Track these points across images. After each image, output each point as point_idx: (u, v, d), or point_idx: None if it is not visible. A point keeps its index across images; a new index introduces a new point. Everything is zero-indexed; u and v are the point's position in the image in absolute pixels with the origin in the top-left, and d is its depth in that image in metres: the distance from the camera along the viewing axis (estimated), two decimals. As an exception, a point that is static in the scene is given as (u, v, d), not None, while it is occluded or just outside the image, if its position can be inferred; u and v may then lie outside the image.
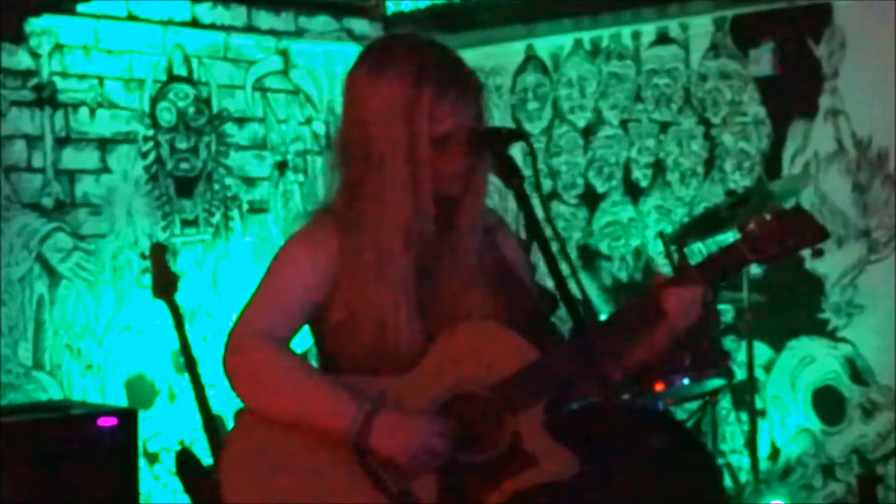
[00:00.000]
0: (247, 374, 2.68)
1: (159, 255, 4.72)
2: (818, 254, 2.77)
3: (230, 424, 2.82)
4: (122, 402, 5.46)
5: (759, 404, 5.55)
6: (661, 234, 2.88)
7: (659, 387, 4.70)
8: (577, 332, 2.57)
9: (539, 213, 2.52)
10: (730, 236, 5.60)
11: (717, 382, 5.00)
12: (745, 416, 5.73)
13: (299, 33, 6.19)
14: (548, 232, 2.51)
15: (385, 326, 2.70)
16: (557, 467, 2.65)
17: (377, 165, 2.69)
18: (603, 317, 2.85)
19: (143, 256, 5.12)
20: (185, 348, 4.62)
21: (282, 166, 6.10)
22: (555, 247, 2.50)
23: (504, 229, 2.96)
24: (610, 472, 2.68)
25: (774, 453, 5.66)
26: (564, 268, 2.49)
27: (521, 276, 2.90)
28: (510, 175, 2.57)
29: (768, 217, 2.77)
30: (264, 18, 6.05)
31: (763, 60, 5.74)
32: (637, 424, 2.88)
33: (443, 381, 2.70)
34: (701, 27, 5.96)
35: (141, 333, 5.53)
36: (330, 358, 2.80)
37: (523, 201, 2.54)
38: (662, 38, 6.10)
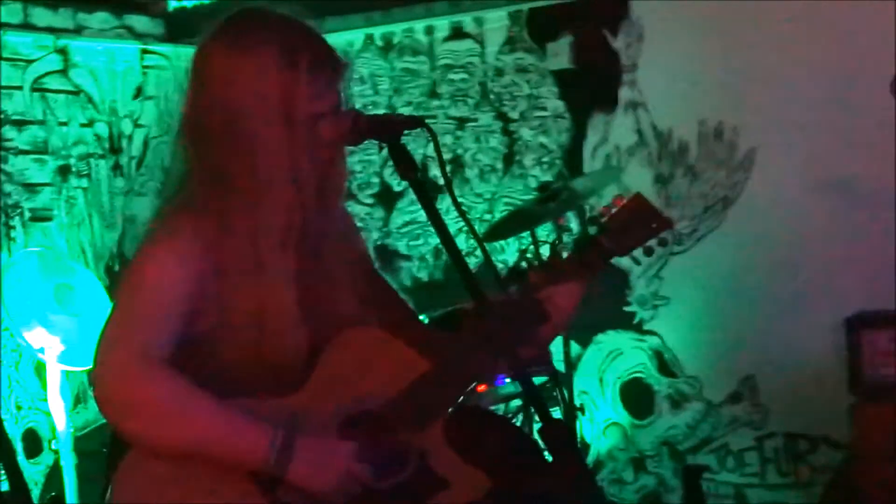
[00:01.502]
0: (131, 403, 2.38)
1: (-58, 268, 4.41)
2: (663, 243, 2.72)
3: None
4: None
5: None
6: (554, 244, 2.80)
7: (481, 388, 4.60)
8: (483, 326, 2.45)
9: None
10: (541, 232, 5.59)
11: (538, 380, 4.92)
12: (555, 414, 5.69)
13: (78, 31, 5.87)
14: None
15: (265, 331, 2.46)
16: (470, 488, 2.50)
17: (248, 148, 2.45)
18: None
19: (-77, 270, 4.76)
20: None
21: (64, 171, 5.77)
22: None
23: (352, 221, 2.81)
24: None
25: (584, 449, 5.62)
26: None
27: (378, 272, 2.76)
28: (406, 165, 2.41)
29: (614, 209, 2.72)
30: (41, 15, 5.70)
31: (561, 54, 5.70)
32: (479, 428, 2.75)
33: (336, 399, 2.50)
34: (496, 21, 5.89)
35: (-80, 354, 5.16)
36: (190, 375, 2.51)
37: (421, 192, 2.40)
38: (457, 33, 6.01)
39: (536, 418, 2.38)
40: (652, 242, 2.71)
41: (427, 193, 2.43)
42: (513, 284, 2.68)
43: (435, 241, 6.01)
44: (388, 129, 2.48)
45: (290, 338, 2.50)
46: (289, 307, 2.50)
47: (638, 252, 2.74)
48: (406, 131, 2.50)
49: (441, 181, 2.49)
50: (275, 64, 2.46)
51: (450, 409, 2.55)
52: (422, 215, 5.97)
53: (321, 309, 2.55)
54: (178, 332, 2.47)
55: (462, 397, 2.58)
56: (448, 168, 5.95)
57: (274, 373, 2.50)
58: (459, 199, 5.88)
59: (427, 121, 5.74)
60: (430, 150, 5.95)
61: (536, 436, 2.27)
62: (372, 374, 2.52)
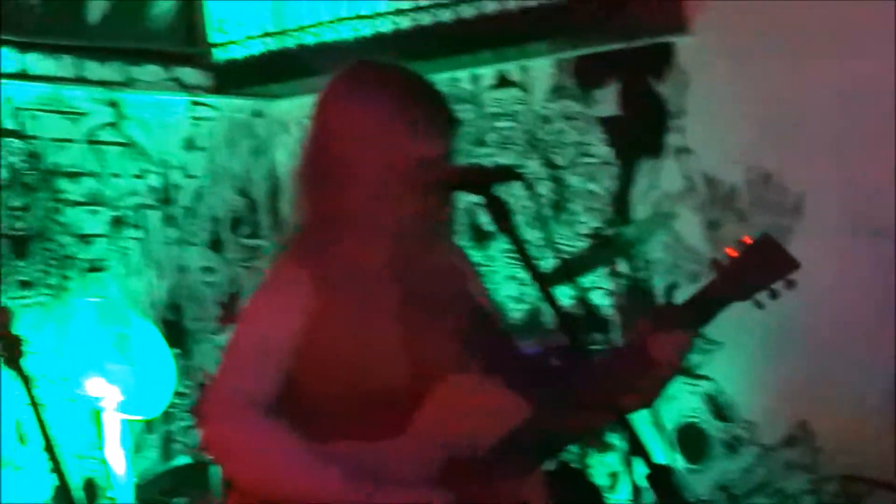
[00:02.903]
0: (239, 453, 2.48)
1: (5, 320, 4.45)
2: (791, 285, 2.69)
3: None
4: (-35, 477, 5.11)
5: (621, 445, 5.51)
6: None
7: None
8: (573, 379, 2.46)
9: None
10: (598, 278, 5.61)
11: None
12: (607, 458, 5.70)
13: (129, 84, 5.95)
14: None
15: (366, 370, 2.52)
16: None
17: (358, 185, 2.53)
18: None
19: (-14, 322, 4.79)
20: (39, 417, 4.35)
21: (118, 222, 5.83)
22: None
23: (466, 263, 2.85)
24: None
25: (638, 494, 5.62)
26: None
27: (491, 314, 2.78)
28: (501, 217, 2.45)
29: (739, 251, 2.69)
30: (93, 69, 5.78)
31: (608, 101, 5.75)
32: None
33: (437, 444, 2.52)
34: (542, 69, 5.94)
35: (-20, 405, 5.20)
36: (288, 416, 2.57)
37: (516, 242, 2.43)
38: (503, 81, 6.06)
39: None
40: (778, 285, 2.65)
41: (521, 242, 2.46)
42: (568, 330, 2.63)
43: (484, 287, 6.02)
44: (482, 181, 2.53)
45: (389, 374, 2.54)
46: (390, 343, 2.54)
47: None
48: (499, 182, 2.54)
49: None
50: (388, 109, 2.54)
51: (551, 458, 2.58)
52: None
53: (423, 351, 2.59)
54: (283, 378, 2.54)
55: (565, 445, 2.59)
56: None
57: (372, 413, 2.53)
58: (508, 247, 5.98)
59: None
60: (478, 197, 6.05)
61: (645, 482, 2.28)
62: (473, 420, 2.54)
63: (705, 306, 2.65)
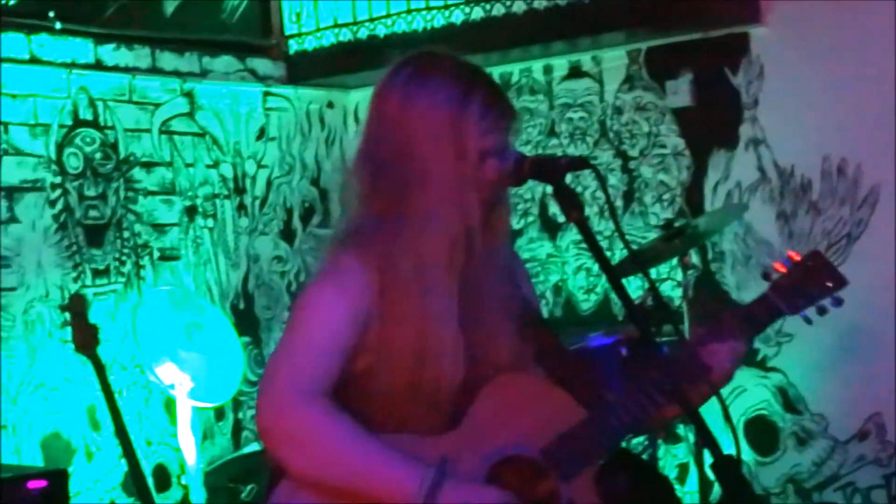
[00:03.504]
0: (294, 439, 2.45)
1: (80, 307, 4.50)
2: (838, 302, 2.66)
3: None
4: (39, 462, 5.18)
5: (690, 437, 5.49)
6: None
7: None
8: (641, 371, 2.46)
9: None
10: (667, 269, 5.61)
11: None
12: (674, 450, 5.69)
13: (203, 74, 6.00)
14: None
15: (423, 363, 2.49)
16: None
17: (418, 179, 2.51)
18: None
19: (61, 309, 4.87)
20: (112, 404, 4.41)
21: (191, 211, 5.90)
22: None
23: (518, 262, 2.85)
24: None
25: (707, 486, 5.60)
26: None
27: (540, 314, 2.78)
28: (570, 207, 2.45)
29: (789, 265, 2.67)
30: (168, 59, 5.84)
31: (680, 91, 5.72)
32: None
33: (490, 441, 2.52)
34: (615, 60, 5.92)
35: (55, 390, 5.27)
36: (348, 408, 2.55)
37: (586, 233, 2.43)
38: (575, 72, 6.05)
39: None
40: (826, 302, 2.61)
41: (591, 232, 2.46)
42: (637, 321, 2.62)
43: (554, 278, 6.04)
44: (553, 171, 2.52)
45: (447, 370, 2.52)
46: (449, 338, 2.53)
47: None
48: (571, 172, 2.54)
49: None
50: (448, 100, 2.52)
51: (602, 459, 2.57)
52: (541, 253, 6.03)
53: (477, 348, 2.58)
54: (340, 369, 2.52)
55: (615, 447, 2.59)
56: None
57: (426, 408, 2.53)
58: (578, 238, 5.97)
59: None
60: (549, 188, 6.04)
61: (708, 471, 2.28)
62: (526, 419, 2.54)
63: (756, 319, 2.64)
